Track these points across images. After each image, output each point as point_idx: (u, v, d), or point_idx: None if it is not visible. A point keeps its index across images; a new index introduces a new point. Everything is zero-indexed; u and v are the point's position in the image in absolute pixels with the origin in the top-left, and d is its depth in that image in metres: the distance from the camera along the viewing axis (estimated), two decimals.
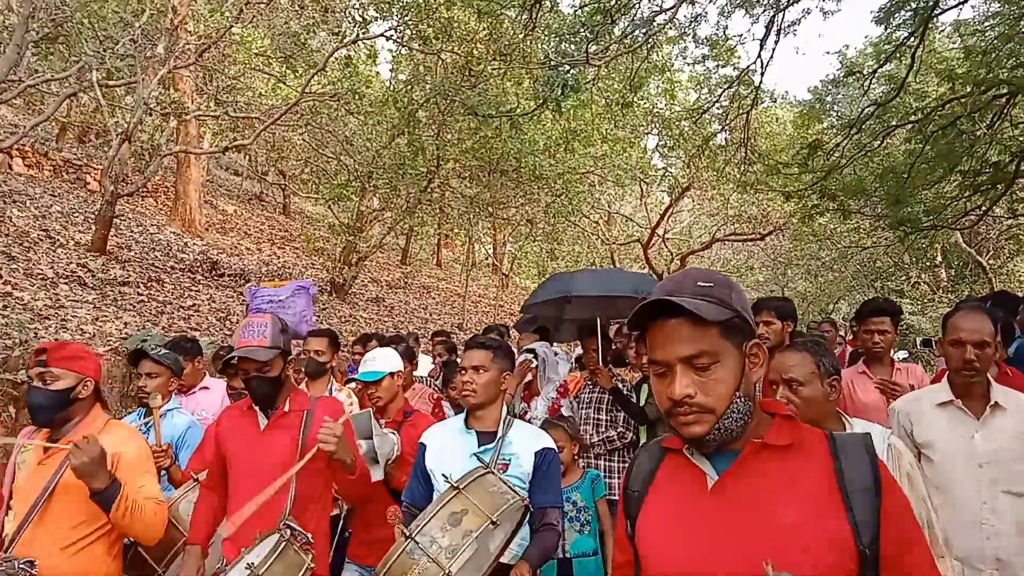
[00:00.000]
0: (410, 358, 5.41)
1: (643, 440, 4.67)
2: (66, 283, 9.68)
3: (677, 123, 15.43)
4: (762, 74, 9.73)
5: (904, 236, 11.69)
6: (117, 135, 11.21)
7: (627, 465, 4.09)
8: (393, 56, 16.15)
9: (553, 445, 2.97)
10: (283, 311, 5.64)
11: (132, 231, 14.22)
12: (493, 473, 2.63)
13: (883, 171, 11.74)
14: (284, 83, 14.72)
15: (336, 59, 13.03)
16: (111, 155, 11.30)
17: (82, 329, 8.17)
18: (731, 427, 1.37)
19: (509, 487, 2.57)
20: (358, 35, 12.36)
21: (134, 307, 9.61)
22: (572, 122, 16.43)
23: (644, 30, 8.79)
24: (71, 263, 10.38)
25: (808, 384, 2.42)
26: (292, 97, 13.49)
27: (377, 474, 3.18)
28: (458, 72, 13.56)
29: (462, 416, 3.02)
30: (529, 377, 5.30)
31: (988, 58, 9.99)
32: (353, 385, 5.22)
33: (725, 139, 13.75)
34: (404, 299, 19.07)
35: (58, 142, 18.82)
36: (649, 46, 10.53)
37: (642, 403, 4.98)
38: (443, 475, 2.65)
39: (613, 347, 5.79)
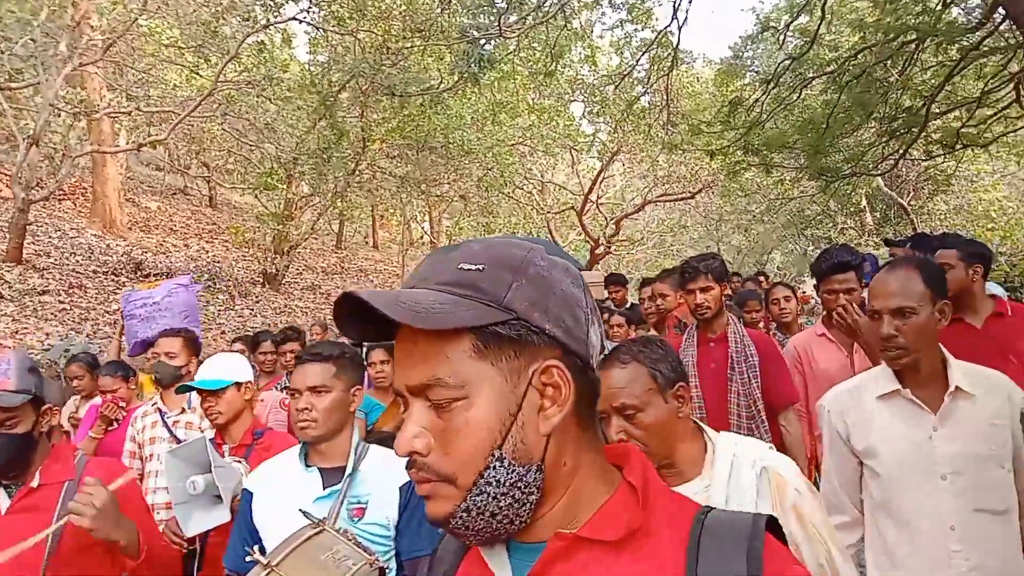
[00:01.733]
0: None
1: None
2: None
3: (601, 89, 15.48)
4: (679, 35, 9.80)
5: (826, 185, 12.00)
6: (24, 139, 10.74)
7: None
8: (309, 39, 15.79)
9: None
10: (160, 314, 5.28)
11: (50, 236, 13.70)
12: (329, 531, 1.99)
13: (802, 123, 11.99)
14: (198, 73, 14.26)
15: (249, 45, 12.67)
16: (19, 160, 10.83)
17: (0, 343, 7.87)
18: (490, 510, 0.80)
19: (355, 546, 1.95)
20: (268, 20, 12.02)
21: (55, 316, 9.30)
22: (497, 94, 16.36)
23: None
24: None
25: (647, 407, 1.74)
26: (207, 87, 13.08)
27: (223, 515, 2.57)
28: (376, 51, 13.32)
29: (298, 449, 2.31)
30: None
31: (895, 5, 10.24)
32: (275, 394, 4.91)
33: (648, 102, 13.86)
34: (341, 284, 18.85)
35: None
36: (566, 14, 10.51)
37: None
38: (257, 548, 1.92)
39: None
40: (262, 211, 16.67)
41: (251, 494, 2.30)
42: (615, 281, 7.79)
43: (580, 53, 16.68)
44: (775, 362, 3.53)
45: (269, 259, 15.40)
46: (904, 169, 18.76)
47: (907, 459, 2.12)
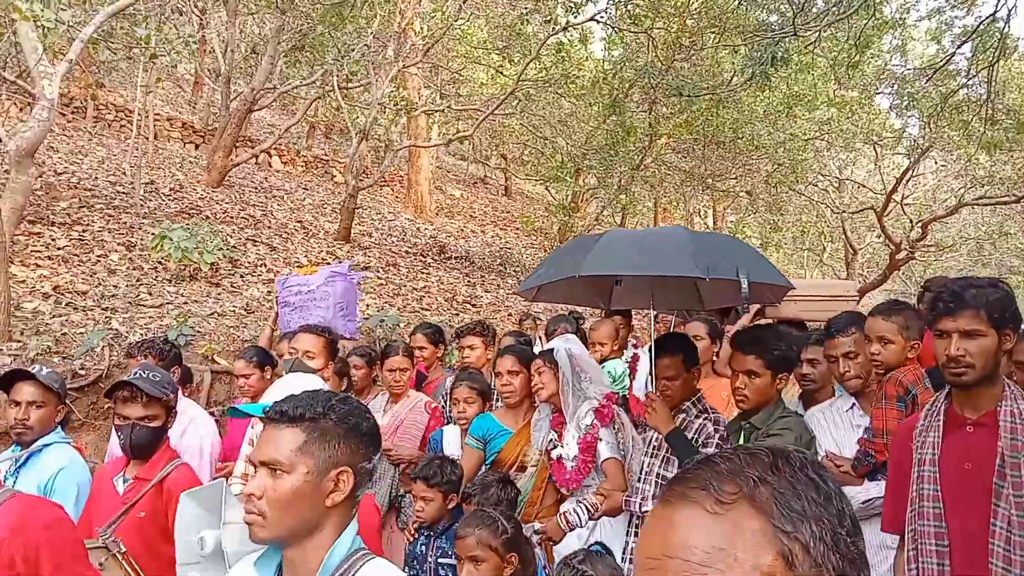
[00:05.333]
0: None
1: None
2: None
3: (913, 81, 14.21)
4: (1008, 21, 8.77)
5: None
6: (356, 134, 12.43)
7: None
8: (605, 37, 16.32)
9: None
10: (314, 303, 4.78)
11: (372, 219, 15.68)
12: None
13: None
14: (502, 72, 15.43)
15: (549, 45, 13.45)
16: (352, 152, 12.56)
17: None
18: None
19: None
20: (568, 21, 12.68)
21: (374, 289, 10.69)
22: (793, 87, 15.68)
23: None
24: (322, 251, 11.71)
25: None
26: (509, 86, 14.13)
27: None
28: (668, 47, 13.44)
29: (254, 558, 1.64)
30: (543, 392, 3.56)
31: None
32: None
33: (967, 95, 12.50)
34: None
35: (307, 140, 21.09)
36: (875, 2, 9.83)
37: None
38: None
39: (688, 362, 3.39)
40: (551, 202, 17.64)
41: None
42: None
43: (890, 43, 15.43)
44: None
45: (555, 247, 16.26)
46: None
47: None
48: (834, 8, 7.49)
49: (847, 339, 3.15)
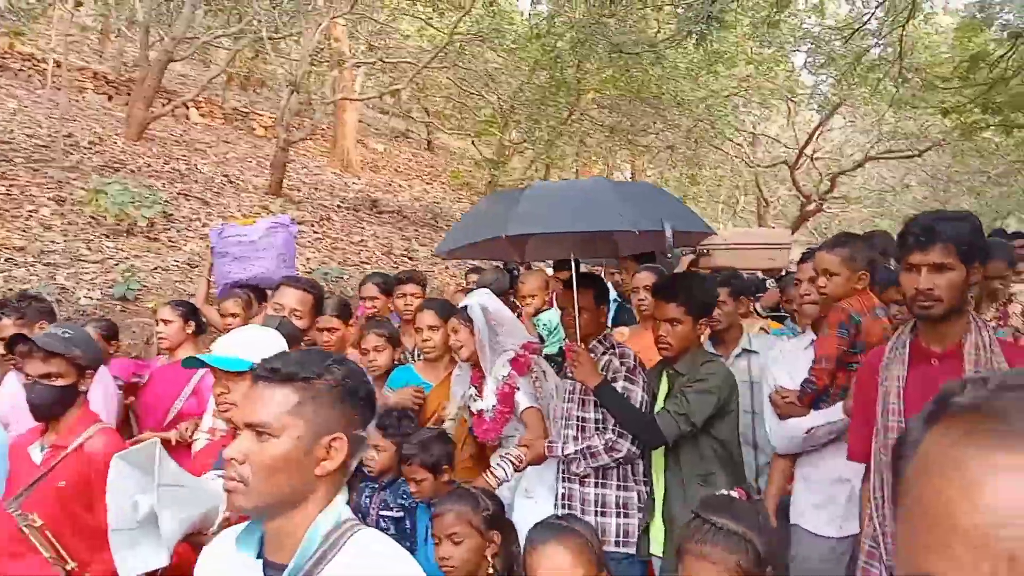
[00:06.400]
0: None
1: (660, 466, 3.12)
2: None
3: (827, 41, 14.84)
4: None
5: None
6: (286, 86, 12.20)
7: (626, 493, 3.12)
8: None
9: None
10: (256, 254, 4.58)
11: (298, 173, 15.44)
12: None
13: None
14: (431, 24, 15.31)
15: None
16: (282, 105, 12.34)
17: None
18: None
19: None
20: None
21: (311, 244, 10.66)
22: (715, 44, 16.12)
23: None
24: (254, 206, 11.54)
25: None
26: (437, 38, 14.06)
27: (158, 558, 2.01)
28: (598, 2, 13.62)
29: (239, 529, 1.51)
30: (463, 352, 3.53)
31: None
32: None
33: (879, 54, 13.18)
34: None
35: (224, 91, 20.41)
36: None
37: (659, 403, 3.15)
38: None
39: (613, 303, 3.74)
40: (475, 155, 17.72)
41: None
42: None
43: (806, 2, 16.00)
44: None
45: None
46: None
47: None
48: None
49: (806, 266, 3.41)
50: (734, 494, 1.99)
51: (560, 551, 2.04)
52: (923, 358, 2.28)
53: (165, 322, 3.97)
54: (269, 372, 1.42)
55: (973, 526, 0.53)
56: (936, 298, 2.16)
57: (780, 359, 3.31)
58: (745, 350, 3.77)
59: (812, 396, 3.00)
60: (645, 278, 4.23)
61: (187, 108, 17.06)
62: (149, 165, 11.74)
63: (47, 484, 2.55)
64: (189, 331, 3.97)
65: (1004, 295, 3.71)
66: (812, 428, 2.96)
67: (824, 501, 2.99)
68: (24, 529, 2.47)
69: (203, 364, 2.34)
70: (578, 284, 3.23)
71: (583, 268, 3.98)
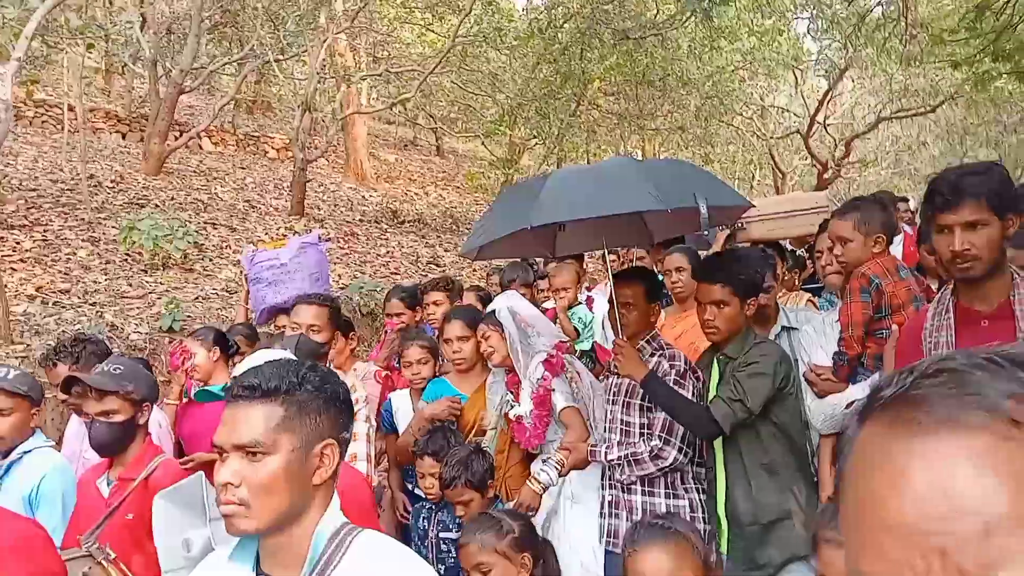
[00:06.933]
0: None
1: (719, 459, 2.92)
2: None
3: (829, 5, 14.76)
4: None
5: None
6: (298, 106, 12.29)
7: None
8: None
9: None
10: (288, 276, 4.49)
11: (317, 192, 15.54)
12: None
13: None
14: (431, 30, 15.36)
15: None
16: (296, 126, 12.42)
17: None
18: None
19: None
20: None
21: (340, 260, 10.73)
22: (716, 19, 16.09)
23: None
24: (280, 228, 11.64)
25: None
26: (438, 43, 14.10)
27: None
28: None
29: (230, 546, 1.47)
30: (495, 357, 3.46)
31: None
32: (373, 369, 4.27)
33: (883, 12, 13.08)
34: None
35: (233, 118, 20.58)
36: None
37: (711, 391, 2.97)
38: None
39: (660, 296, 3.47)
40: (486, 157, 17.74)
41: None
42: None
43: None
44: None
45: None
46: None
47: None
48: None
49: (823, 237, 3.32)
50: None
51: (662, 556, 1.96)
52: (971, 320, 2.15)
53: (191, 355, 3.82)
54: (247, 390, 1.39)
55: (902, 520, 0.51)
56: (974, 257, 2.04)
57: (812, 335, 3.18)
58: (785, 328, 3.52)
59: (847, 369, 2.89)
60: (677, 259, 4.11)
61: (199, 138, 17.24)
62: (172, 198, 11.87)
63: (116, 517, 2.58)
64: (215, 358, 3.76)
65: None
66: (853, 402, 2.75)
67: None
68: (103, 563, 2.46)
69: (214, 396, 2.32)
70: (628, 277, 3.14)
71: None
